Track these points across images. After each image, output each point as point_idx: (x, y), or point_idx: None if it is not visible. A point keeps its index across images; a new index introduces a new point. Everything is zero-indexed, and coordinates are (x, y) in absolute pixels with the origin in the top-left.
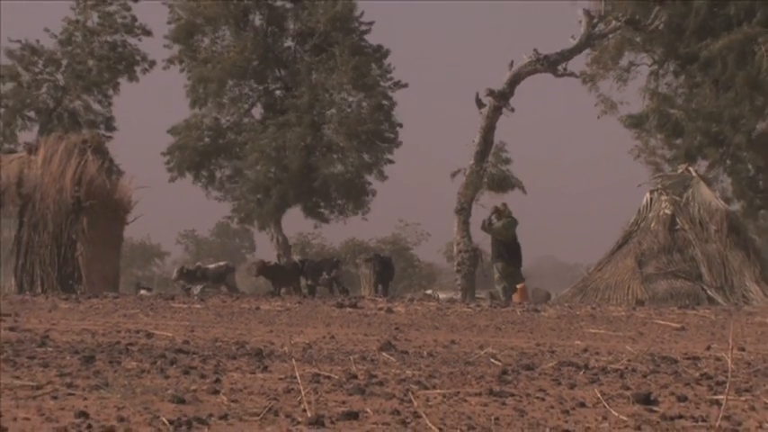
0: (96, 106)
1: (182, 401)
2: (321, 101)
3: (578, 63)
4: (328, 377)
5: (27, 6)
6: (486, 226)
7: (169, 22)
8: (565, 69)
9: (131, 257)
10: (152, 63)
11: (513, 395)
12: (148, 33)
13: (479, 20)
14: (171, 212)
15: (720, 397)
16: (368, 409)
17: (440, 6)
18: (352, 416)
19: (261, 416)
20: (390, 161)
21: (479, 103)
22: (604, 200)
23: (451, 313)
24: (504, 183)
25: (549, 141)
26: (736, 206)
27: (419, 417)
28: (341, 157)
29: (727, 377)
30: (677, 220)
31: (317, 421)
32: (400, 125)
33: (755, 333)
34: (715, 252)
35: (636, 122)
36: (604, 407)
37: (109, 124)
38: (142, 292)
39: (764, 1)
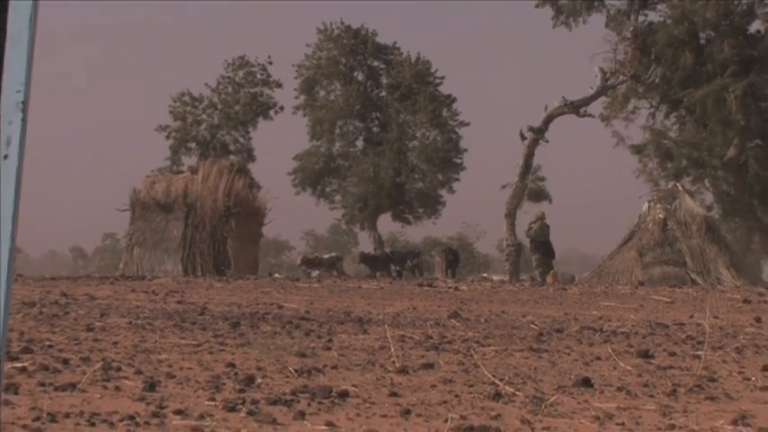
0: (241, 139)
1: (304, 355)
2: (406, 135)
3: (596, 107)
4: (411, 337)
5: (190, 64)
6: (527, 231)
7: (296, 77)
8: (585, 112)
9: (267, 250)
10: (282, 107)
11: (547, 351)
12: (279, 86)
13: (521, 70)
14: (296, 216)
15: (700, 352)
16: (440, 361)
17: (489, 60)
18: (429, 366)
19: (362, 366)
20: (457, 179)
21: (522, 136)
22: (614, 208)
23: (501, 291)
24: (539, 195)
25: (574, 165)
26: (712, 212)
27: (478, 367)
28: (421, 177)
29: (705, 338)
30: (668, 222)
31: (403, 370)
32: (465, 150)
33: (726, 306)
34: (696, 246)
35: (638, 150)
36: (614, 360)
37: (250, 153)
38: (275, 275)
39: (733, 61)
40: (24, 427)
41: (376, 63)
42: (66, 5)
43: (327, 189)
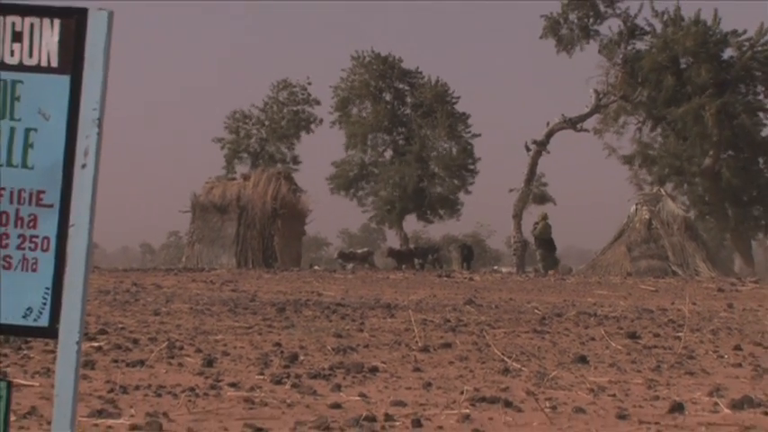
0: (285, 150)
1: (340, 336)
2: (427, 147)
3: (591, 122)
4: (432, 321)
5: (241, 84)
6: (532, 230)
7: (332, 97)
8: (581, 127)
9: (308, 245)
10: (321, 121)
11: (548, 333)
12: (318, 103)
13: (526, 90)
14: (333, 217)
15: (680, 334)
16: (457, 341)
17: (499, 81)
18: (447, 345)
19: (390, 345)
20: (472, 183)
21: (527, 148)
22: (607, 209)
23: (510, 281)
24: (542, 198)
25: (572, 172)
26: (690, 213)
27: (489, 346)
28: (440, 183)
29: (684, 321)
30: (653, 222)
31: (425, 349)
32: (478, 159)
33: (702, 294)
34: (677, 242)
35: (627, 160)
36: (607, 340)
37: (294, 161)
38: (315, 267)
39: (709, 83)
40: (100, 397)
41: (401, 85)
42: (135, 34)
43: (360, 193)
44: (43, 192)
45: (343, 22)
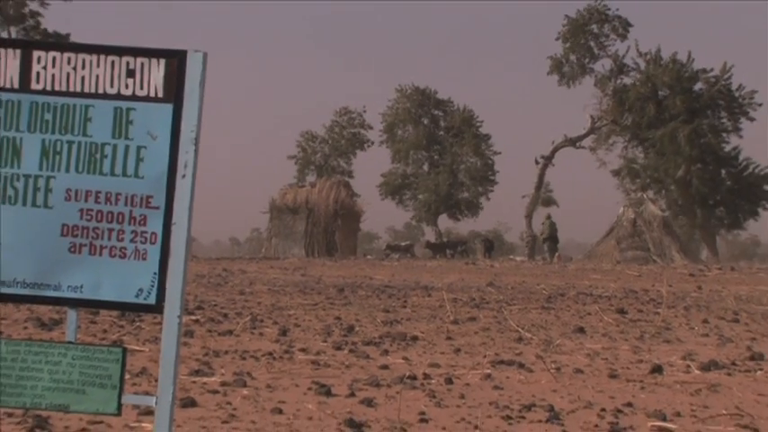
0: (344, 164)
1: (387, 311)
2: (457, 161)
3: (587, 141)
4: (460, 299)
5: (310, 108)
6: (540, 233)
7: (381, 122)
8: (579, 145)
9: (362, 239)
10: (372, 142)
11: (553, 308)
12: (371, 128)
13: (536, 114)
14: (381, 216)
15: (659, 310)
16: (480, 316)
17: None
18: (473, 319)
19: (427, 318)
20: (492, 190)
21: (536, 161)
22: (600, 211)
23: (522, 268)
24: (548, 201)
25: (572, 181)
26: (667, 214)
27: (506, 319)
28: (467, 189)
29: (662, 300)
30: (637, 221)
31: (455, 321)
32: (497, 171)
33: (677, 278)
34: (656, 237)
35: (617, 172)
36: (600, 315)
37: (350, 174)
38: (367, 257)
39: (683, 111)
40: (197, 360)
41: (436, 112)
42: (227, 73)
43: (403, 197)
44: (151, 196)
45: (390, 59)
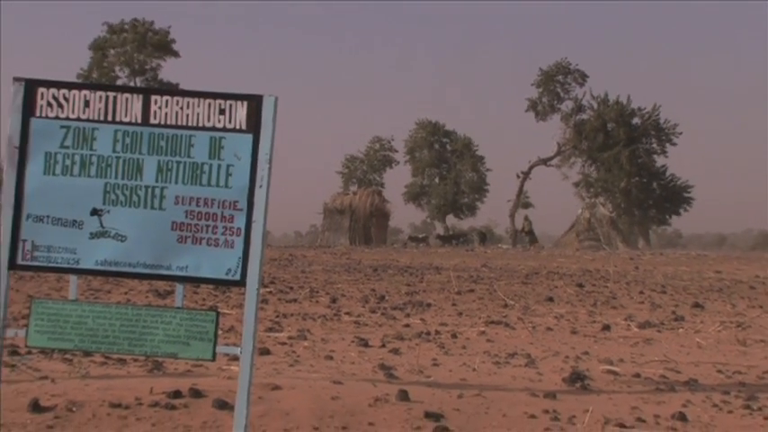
0: (377, 177)
1: (409, 285)
2: (459, 176)
3: (554, 161)
4: (462, 276)
5: (353, 134)
6: (521, 229)
7: (404, 147)
8: (549, 163)
9: (390, 232)
10: (398, 162)
11: (530, 283)
12: (396, 151)
13: (516, 141)
14: (404, 216)
15: (608, 284)
16: (476, 288)
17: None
18: (471, 291)
19: (438, 290)
20: (485, 197)
21: (518, 175)
22: (565, 213)
23: (508, 254)
24: (527, 205)
25: (544, 190)
26: (613, 214)
27: (496, 291)
28: (467, 196)
29: (610, 277)
30: (591, 219)
31: (459, 292)
32: (489, 183)
33: (621, 261)
34: (606, 231)
35: (576, 184)
36: (564, 288)
37: (382, 185)
38: (394, 246)
39: (624, 138)
40: (270, 320)
41: (444, 139)
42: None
43: (421, 202)
44: (237, 201)
45: (410, 98)
